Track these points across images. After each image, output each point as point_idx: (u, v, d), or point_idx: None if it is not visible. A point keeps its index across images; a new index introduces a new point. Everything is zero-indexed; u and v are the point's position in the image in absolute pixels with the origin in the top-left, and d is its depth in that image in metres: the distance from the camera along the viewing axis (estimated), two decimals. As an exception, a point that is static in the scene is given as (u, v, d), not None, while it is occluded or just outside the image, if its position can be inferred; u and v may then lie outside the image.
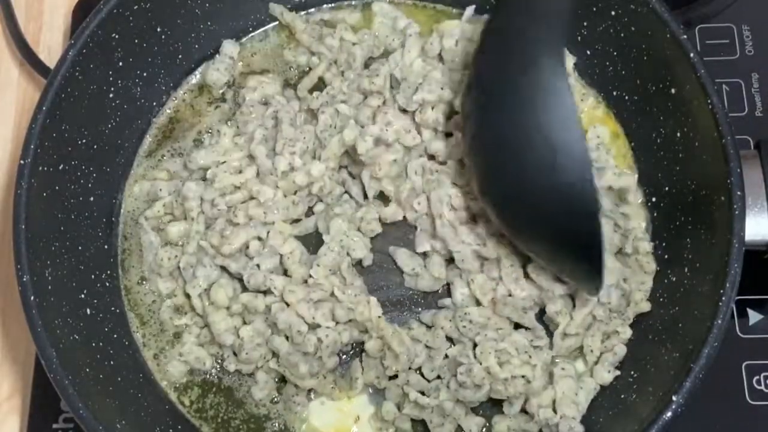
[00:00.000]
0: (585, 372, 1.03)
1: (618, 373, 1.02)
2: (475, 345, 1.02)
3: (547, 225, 0.95)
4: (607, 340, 1.02)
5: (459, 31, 1.12)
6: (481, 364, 1.00)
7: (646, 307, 1.03)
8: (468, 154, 1.01)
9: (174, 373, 1.05)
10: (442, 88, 1.08)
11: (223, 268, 1.06)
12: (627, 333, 1.02)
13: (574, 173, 0.90)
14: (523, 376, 0.99)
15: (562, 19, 0.92)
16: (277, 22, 1.19)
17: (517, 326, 1.04)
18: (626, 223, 1.06)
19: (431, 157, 1.10)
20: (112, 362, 1.02)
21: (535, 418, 1.00)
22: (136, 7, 1.07)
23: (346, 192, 1.10)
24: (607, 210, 1.06)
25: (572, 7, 0.93)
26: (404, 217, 1.09)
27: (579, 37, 1.12)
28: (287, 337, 1.02)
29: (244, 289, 1.06)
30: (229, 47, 1.16)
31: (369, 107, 1.09)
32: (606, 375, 1.02)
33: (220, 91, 1.16)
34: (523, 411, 1.01)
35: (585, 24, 1.11)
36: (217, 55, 1.16)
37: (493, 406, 1.03)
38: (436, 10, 1.18)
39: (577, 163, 0.89)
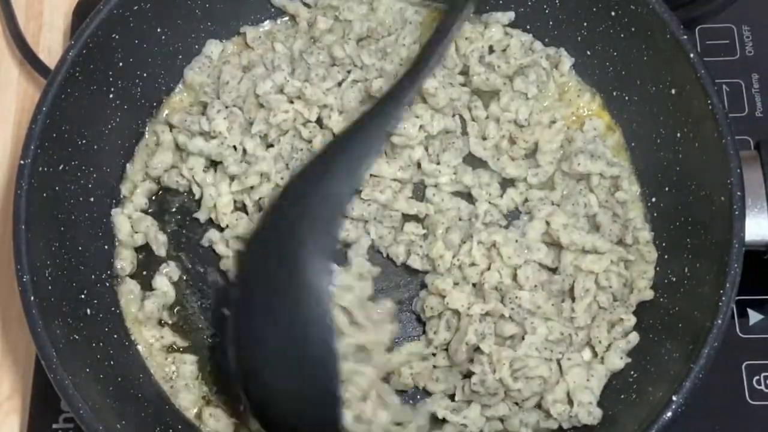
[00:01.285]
0: (593, 360, 1.03)
1: (629, 360, 1.02)
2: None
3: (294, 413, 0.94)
4: (612, 329, 1.02)
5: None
6: (494, 373, 0.99)
7: (649, 294, 1.03)
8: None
9: (187, 405, 1.04)
10: None
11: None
12: (632, 320, 1.02)
13: (321, 378, 0.91)
14: (540, 376, 0.99)
15: (336, 228, 0.96)
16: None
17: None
18: (625, 212, 1.06)
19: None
20: (112, 362, 1.02)
21: (552, 414, 0.99)
22: (136, 7, 1.07)
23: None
24: (603, 200, 1.07)
25: (341, 221, 0.99)
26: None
27: (579, 38, 1.12)
28: None
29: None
30: (209, 47, 1.16)
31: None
32: (618, 362, 1.01)
33: (204, 90, 1.14)
34: (537, 406, 1.01)
35: (585, 24, 1.11)
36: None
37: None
38: (438, 10, 1.18)
39: (324, 370, 0.91)
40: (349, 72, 1.12)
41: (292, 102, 1.10)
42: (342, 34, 1.15)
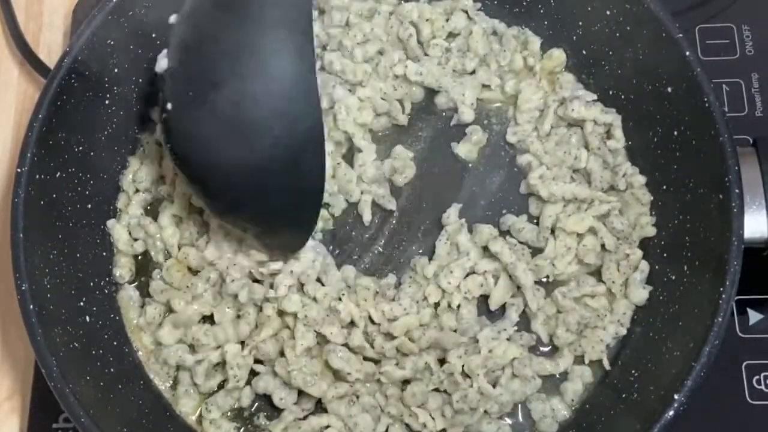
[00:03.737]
0: (616, 297, 1.05)
1: (651, 288, 1.04)
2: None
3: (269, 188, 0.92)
4: (620, 266, 1.04)
5: (416, 13, 1.13)
6: (472, 386, 0.99)
7: (651, 231, 1.05)
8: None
9: (188, 411, 1.04)
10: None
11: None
12: (638, 254, 1.05)
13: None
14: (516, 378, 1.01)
15: None
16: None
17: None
18: (615, 160, 1.08)
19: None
20: (112, 370, 1.02)
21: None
22: (131, 12, 1.07)
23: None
24: (596, 147, 1.08)
25: None
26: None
27: (574, 37, 1.12)
28: None
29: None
30: None
31: None
32: (641, 292, 1.04)
33: None
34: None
35: (580, 23, 1.11)
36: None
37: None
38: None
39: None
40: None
41: None
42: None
